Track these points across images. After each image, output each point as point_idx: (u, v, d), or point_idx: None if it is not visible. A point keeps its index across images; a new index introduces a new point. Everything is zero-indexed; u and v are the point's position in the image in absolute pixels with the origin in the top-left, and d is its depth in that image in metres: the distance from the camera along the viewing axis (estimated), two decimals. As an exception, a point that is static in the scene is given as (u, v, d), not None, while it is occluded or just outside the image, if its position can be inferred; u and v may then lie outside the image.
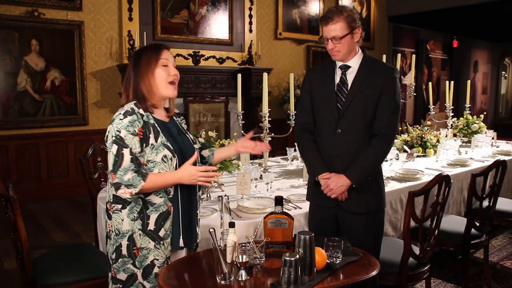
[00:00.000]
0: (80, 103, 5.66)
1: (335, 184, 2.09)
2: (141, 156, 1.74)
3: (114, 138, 1.70)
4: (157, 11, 6.03)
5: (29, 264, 2.10)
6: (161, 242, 1.79)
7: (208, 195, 2.59)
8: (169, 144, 1.78)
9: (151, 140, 1.75)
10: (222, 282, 1.60)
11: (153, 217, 1.77)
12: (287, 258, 1.54)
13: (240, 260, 1.63)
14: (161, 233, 1.79)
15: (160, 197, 1.78)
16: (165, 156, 1.76)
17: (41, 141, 5.45)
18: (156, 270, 1.79)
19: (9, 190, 2.21)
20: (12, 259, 3.51)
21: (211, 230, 1.67)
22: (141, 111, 1.76)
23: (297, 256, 1.56)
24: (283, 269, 1.55)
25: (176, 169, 1.79)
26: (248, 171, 2.81)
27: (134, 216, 1.76)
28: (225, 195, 2.15)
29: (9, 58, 5.16)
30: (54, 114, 5.51)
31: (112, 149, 1.70)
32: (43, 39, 5.33)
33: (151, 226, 1.77)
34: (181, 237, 1.82)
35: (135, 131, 1.71)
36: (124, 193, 1.69)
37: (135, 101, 1.78)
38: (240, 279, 1.63)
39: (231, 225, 1.79)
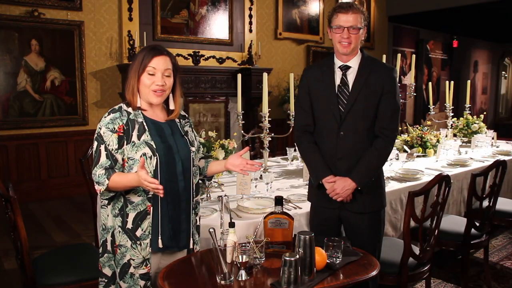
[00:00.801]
0: (80, 103, 5.66)
1: (342, 188, 2.07)
2: (119, 153, 1.74)
3: (96, 136, 1.76)
4: (157, 11, 6.03)
5: (29, 264, 2.10)
6: (138, 242, 1.76)
7: (208, 195, 2.59)
8: (152, 143, 1.76)
9: (134, 137, 1.75)
10: (222, 282, 1.60)
11: (131, 216, 1.76)
12: (287, 258, 1.54)
13: (240, 260, 1.63)
14: (138, 233, 1.76)
15: (138, 195, 1.77)
16: (144, 154, 1.74)
17: (41, 141, 5.45)
18: (131, 270, 1.77)
19: (9, 190, 2.21)
20: (12, 259, 3.51)
21: (211, 230, 1.67)
22: (129, 109, 1.79)
23: (297, 256, 1.56)
24: (283, 269, 1.55)
25: (156, 168, 1.75)
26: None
27: (116, 213, 1.78)
28: (225, 195, 2.14)
29: (9, 58, 5.16)
30: (54, 114, 5.51)
31: (94, 146, 1.76)
32: (43, 39, 5.33)
33: (129, 225, 1.77)
34: (160, 237, 1.78)
35: (114, 128, 1.74)
36: (97, 189, 1.73)
37: (126, 100, 1.82)
38: (240, 279, 1.63)
39: (231, 225, 1.79)
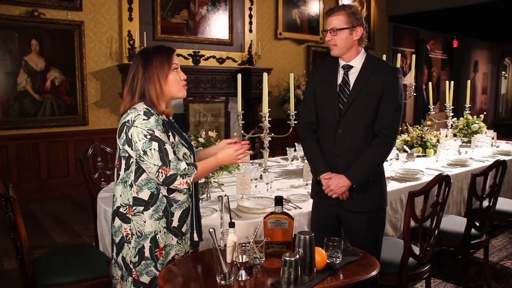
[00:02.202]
0: (80, 103, 5.66)
1: (336, 184, 2.10)
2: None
3: (150, 136, 1.69)
4: (157, 11, 6.03)
5: (29, 264, 2.10)
6: (183, 237, 1.83)
7: (208, 195, 2.59)
8: (183, 142, 1.84)
9: (171, 138, 1.79)
10: (222, 282, 1.60)
11: (177, 214, 1.80)
12: (287, 258, 1.54)
13: (240, 260, 1.63)
14: (184, 228, 1.83)
15: (183, 194, 1.82)
16: (185, 154, 1.82)
17: (41, 141, 5.45)
18: None
19: (9, 190, 2.21)
20: (12, 259, 3.51)
21: (211, 230, 1.67)
22: (154, 111, 1.77)
23: (297, 256, 1.56)
24: (283, 269, 1.55)
25: None
26: (248, 171, 2.81)
27: (159, 215, 1.76)
28: (225, 195, 2.14)
29: (9, 58, 5.16)
30: (54, 114, 5.51)
31: (153, 146, 1.68)
32: (43, 39, 5.33)
33: (175, 223, 1.80)
34: (195, 231, 1.88)
35: (163, 129, 1.74)
36: (180, 184, 1.71)
37: (143, 102, 1.77)
38: (240, 279, 1.63)
39: (231, 225, 1.79)
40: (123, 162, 1.78)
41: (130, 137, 1.71)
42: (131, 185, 1.77)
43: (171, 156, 1.71)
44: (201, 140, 2.80)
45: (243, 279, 1.63)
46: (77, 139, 5.68)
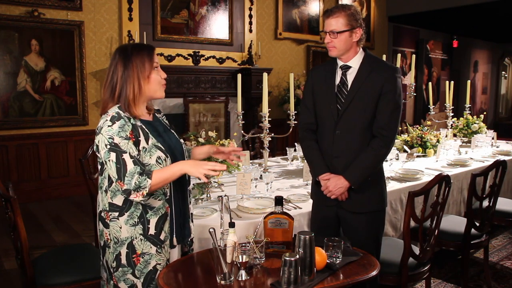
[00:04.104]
0: (80, 103, 5.66)
1: (334, 185, 2.10)
2: (140, 158, 1.70)
3: (109, 146, 1.65)
4: (157, 11, 6.02)
5: (29, 264, 2.10)
6: (162, 245, 1.78)
7: (208, 195, 2.59)
8: (160, 145, 1.76)
9: (142, 143, 1.71)
10: (222, 282, 1.60)
11: (153, 221, 1.75)
12: (287, 258, 1.54)
13: (240, 260, 1.63)
14: (162, 236, 1.77)
15: (159, 200, 1.76)
16: (159, 158, 1.73)
17: (41, 141, 5.45)
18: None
19: (9, 190, 2.21)
20: (12, 259, 3.51)
21: (211, 230, 1.67)
22: (126, 114, 1.71)
23: (297, 256, 1.56)
24: (283, 269, 1.55)
25: None
26: (248, 171, 2.81)
27: (134, 222, 1.73)
28: (225, 195, 2.14)
29: (9, 58, 5.16)
30: (54, 114, 5.50)
31: (111, 157, 1.65)
32: (43, 39, 5.33)
33: (152, 231, 1.75)
34: (174, 236, 1.81)
35: (127, 135, 1.67)
36: (136, 197, 1.65)
37: (118, 105, 1.72)
38: (240, 279, 1.63)
39: (231, 225, 1.79)
40: (99, 167, 1.78)
41: (97, 144, 1.69)
42: (105, 191, 1.75)
43: (129, 167, 1.63)
44: (201, 140, 2.80)
45: (243, 279, 1.63)
46: (77, 139, 5.68)
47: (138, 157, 1.69)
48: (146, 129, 1.76)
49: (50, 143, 5.52)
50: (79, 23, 5.52)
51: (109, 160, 1.65)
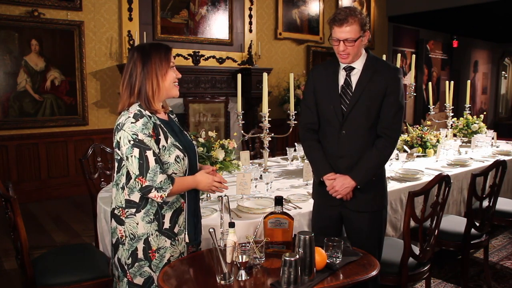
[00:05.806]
0: (80, 103, 5.66)
1: (341, 185, 2.09)
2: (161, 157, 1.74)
3: (133, 142, 1.67)
4: (157, 11, 6.03)
5: (29, 264, 2.10)
6: (176, 238, 1.81)
7: (208, 195, 2.59)
8: (178, 144, 1.79)
9: (162, 141, 1.74)
10: (222, 282, 1.60)
11: (167, 216, 1.79)
12: (287, 258, 1.54)
13: (240, 260, 1.63)
14: (176, 229, 1.81)
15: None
16: (177, 157, 1.77)
17: (41, 141, 5.45)
18: None
19: (9, 190, 2.21)
20: (12, 259, 3.51)
21: (211, 230, 1.67)
22: (147, 112, 1.74)
23: (297, 256, 1.56)
24: (283, 269, 1.55)
25: (188, 168, 1.82)
26: (248, 171, 2.81)
27: (150, 219, 1.75)
28: (225, 195, 2.14)
29: (9, 58, 5.16)
30: (54, 114, 5.50)
31: (134, 153, 1.67)
32: (43, 39, 5.33)
33: (166, 225, 1.79)
34: (186, 233, 1.85)
35: (149, 133, 1.70)
36: (154, 197, 1.69)
37: (138, 103, 1.75)
38: (240, 279, 1.63)
39: (231, 225, 1.79)
40: (116, 164, 1.79)
41: (118, 140, 1.72)
42: (122, 188, 1.77)
43: (151, 164, 1.67)
44: (201, 140, 2.80)
45: (243, 279, 1.63)
46: (77, 139, 5.68)
47: (159, 155, 1.72)
48: (165, 128, 1.79)
49: (50, 143, 5.52)
50: (79, 23, 5.53)
51: (131, 156, 1.68)
